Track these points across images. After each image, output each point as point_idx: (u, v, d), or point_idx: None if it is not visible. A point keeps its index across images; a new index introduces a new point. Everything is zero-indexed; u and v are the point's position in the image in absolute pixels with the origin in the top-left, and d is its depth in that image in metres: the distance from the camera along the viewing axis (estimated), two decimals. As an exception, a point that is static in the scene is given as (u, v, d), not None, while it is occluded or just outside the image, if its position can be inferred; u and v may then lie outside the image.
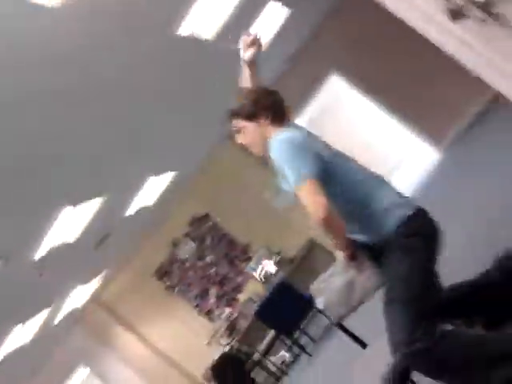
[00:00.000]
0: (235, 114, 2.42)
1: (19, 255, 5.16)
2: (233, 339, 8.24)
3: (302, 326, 6.37)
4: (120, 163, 5.87)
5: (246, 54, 2.55)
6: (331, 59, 8.30)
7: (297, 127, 2.41)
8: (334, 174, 2.23)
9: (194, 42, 5.18)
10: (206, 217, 9.39)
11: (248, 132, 2.42)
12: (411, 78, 8.03)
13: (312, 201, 2.12)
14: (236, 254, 9.33)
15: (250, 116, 2.39)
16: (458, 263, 3.09)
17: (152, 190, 7.53)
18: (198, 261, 9.35)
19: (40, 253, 5.52)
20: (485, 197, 4.37)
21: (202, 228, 9.40)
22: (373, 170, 2.35)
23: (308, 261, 8.63)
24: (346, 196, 2.23)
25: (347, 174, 2.26)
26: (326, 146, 2.34)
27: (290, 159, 2.19)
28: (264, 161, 2.51)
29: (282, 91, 2.50)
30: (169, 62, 5.11)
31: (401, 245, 2.17)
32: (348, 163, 2.31)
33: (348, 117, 8.75)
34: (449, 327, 2.25)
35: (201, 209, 9.34)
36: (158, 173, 7.19)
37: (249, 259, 9.07)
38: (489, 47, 2.92)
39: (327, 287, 2.34)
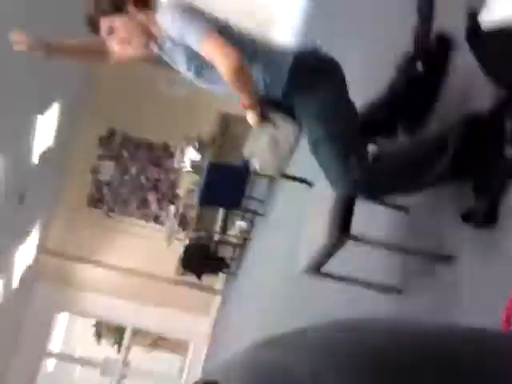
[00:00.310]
0: (100, 14, 2.02)
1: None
2: (189, 231, 8.46)
3: (246, 193, 6.58)
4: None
5: None
6: None
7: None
8: (230, 34, 2.05)
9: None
10: (113, 133, 9.15)
11: (120, 28, 2.04)
12: None
13: (221, 52, 1.96)
14: (158, 155, 9.28)
15: (117, 6, 2.02)
16: (360, 83, 3.18)
17: (46, 128, 7.19)
18: (125, 176, 9.25)
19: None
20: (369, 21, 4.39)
21: (114, 144, 9.19)
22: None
23: (228, 135, 8.70)
24: (246, 50, 2.06)
25: (241, 34, 2.12)
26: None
27: (186, 21, 1.97)
28: (148, 58, 2.27)
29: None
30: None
31: (303, 84, 2.11)
32: (237, 28, 2.15)
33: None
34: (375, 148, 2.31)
35: (104, 127, 9.06)
36: (41, 111, 6.81)
37: (172, 155, 9.06)
38: None
39: (256, 148, 2.32)
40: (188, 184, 8.85)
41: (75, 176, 9.09)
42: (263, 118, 2.18)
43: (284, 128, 2.22)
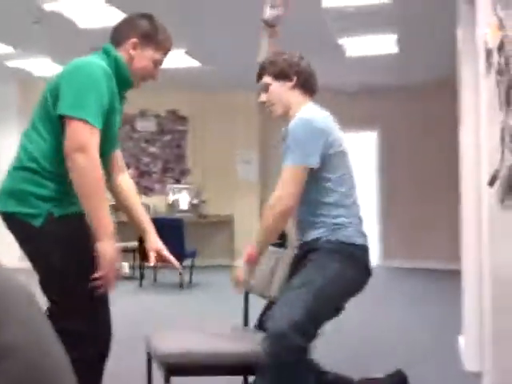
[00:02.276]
0: (265, 70, 2.39)
1: None
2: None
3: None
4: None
5: (270, 12, 2.53)
6: None
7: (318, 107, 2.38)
8: (331, 166, 2.26)
9: None
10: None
11: (273, 91, 2.38)
12: None
13: (290, 186, 2.21)
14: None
15: (281, 75, 2.37)
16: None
17: None
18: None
19: None
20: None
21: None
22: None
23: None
24: (327, 189, 2.28)
25: (341, 177, 2.31)
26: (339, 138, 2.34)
27: (301, 140, 2.22)
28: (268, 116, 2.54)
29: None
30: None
31: (342, 255, 2.23)
32: (347, 166, 2.36)
33: None
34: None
35: None
36: None
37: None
38: None
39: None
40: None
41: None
42: (256, 261, 2.27)
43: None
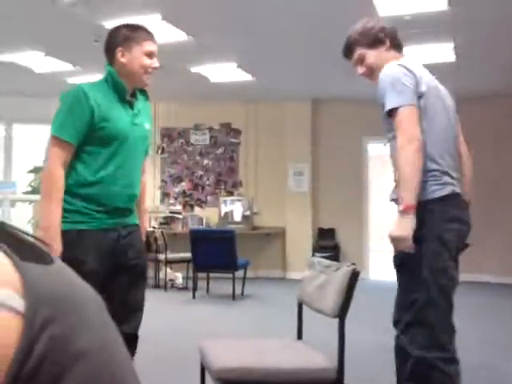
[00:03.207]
0: (357, 43, 2.45)
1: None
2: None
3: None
4: None
5: None
6: None
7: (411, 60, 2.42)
8: (425, 112, 2.24)
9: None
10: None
11: (371, 58, 2.45)
12: None
13: (411, 126, 2.16)
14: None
15: (375, 42, 2.44)
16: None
17: None
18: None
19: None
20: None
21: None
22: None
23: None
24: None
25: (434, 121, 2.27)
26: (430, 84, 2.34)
27: (391, 84, 2.24)
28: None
29: None
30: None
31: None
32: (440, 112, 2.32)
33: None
34: None
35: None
36: None
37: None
38: None
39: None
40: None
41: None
42: (411, 209, 2.13)
43: None
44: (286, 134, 9.11)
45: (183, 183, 9.40)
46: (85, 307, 0.49)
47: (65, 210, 2.31)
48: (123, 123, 2.38)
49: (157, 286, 7.81)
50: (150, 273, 7.93)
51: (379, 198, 11.81)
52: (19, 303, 0.44)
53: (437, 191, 2.20)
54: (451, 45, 6.05)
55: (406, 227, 2.10)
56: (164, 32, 5.54)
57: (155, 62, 2.46)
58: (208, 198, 9.37)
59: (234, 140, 9.38)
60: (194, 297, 6.99)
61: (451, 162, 2.31)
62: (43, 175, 2.40)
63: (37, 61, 6.63)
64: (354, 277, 2.19)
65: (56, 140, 2.31)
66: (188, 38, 5.77)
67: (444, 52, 6.32)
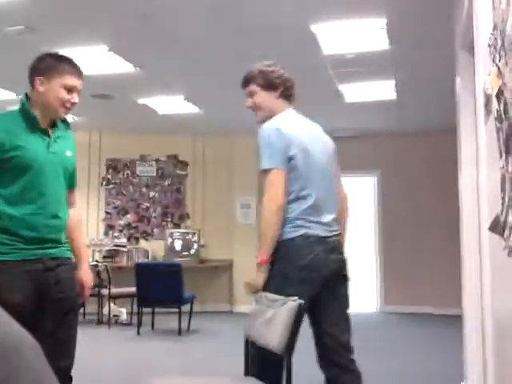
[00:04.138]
0: (254, 79, 2.69)
1: None
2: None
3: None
4: None
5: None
6: None
7: (293, 115, 2.70)
8: (297, 175, 2.55)
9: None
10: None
11: (259, 98, 2.69)
12: None
13: (275, 188, 2.47)
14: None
15: (269, 85, 2.68)
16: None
17: None
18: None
19: None
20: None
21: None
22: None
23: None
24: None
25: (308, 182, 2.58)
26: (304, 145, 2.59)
27: (266, 145, 2.53)
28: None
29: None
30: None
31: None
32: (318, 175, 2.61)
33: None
34: None
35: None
36: None
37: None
38: None
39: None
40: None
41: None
42: (266, 262, 2.50)
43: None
44: (234, 166, 9.15)
45: (128, 215, 9.24)
46: (23, 349, 0.50)
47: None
48: (36, 151, 2.32)
49: (100, 322, 7.57)
50: (93, 308, 7.70)
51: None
52: None
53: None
54: (392, 82, 6.28)
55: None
56: (111, 63, 5.51)
57: (74, 98, 2.41)
58: (154, 230, 9.24)
59: (181, 172, 9.34)
60: (138, 333, 6.81)
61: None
62: None
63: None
64: (300, 311, 2.18)
65: None
66: (135, 70, 5.76)
67: (386, 89, 6.55)
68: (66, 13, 4.48)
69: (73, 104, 2.41)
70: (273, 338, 2.23)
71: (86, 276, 2.52)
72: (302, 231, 2.52)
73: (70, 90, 2.39)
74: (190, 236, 8.96)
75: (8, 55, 5.45)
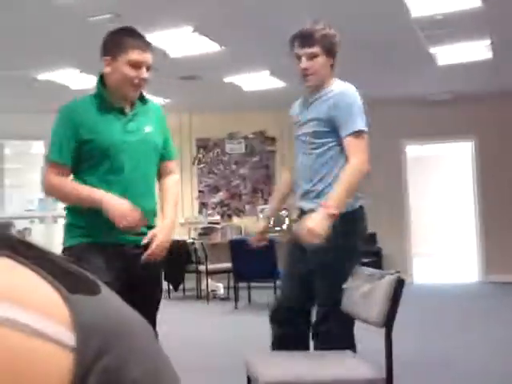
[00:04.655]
0: (318, 41, 2.54)
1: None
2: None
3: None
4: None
5: None
6: None
7: None
8: None
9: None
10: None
11: (319, 63, 2.58)
12: None
13: (367, 153, 2.50)
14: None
15: (330, 52, 2.58)
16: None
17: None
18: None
19: None
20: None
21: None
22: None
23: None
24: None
25: None
26: None
27: (359, 107, 2.52)
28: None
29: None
30: None
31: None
32: None
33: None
34: None
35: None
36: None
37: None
38: None
39: None
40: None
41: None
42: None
43: None
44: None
45: (220, 193, 9.43)
46: (135, 336, 0.49)
47: (72, 226, 2.26)
48: (111, 136, 2.23)
49: (199, 297, 7.83)
50: (192, 284, 7.97)
51: (419, 200, 11.60)
52: (69, 337, 0.44)
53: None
54: (487, 42, 5.89)
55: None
56: (197, 44, 5.57)
57: (142, 73, 2.20)
58: (246, 207, 9.38)
59: (269, 148, 9.37)
60: (236, 307, 6.97)
61: None
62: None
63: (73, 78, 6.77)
64: (399, 285, 2.13)
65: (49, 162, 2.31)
66: (221, 48, 5.79)
67: (480, 50, 6.16)
68: (151, -3, 4.56)
69: (142, 80, 2.22)
70: (372, 312, 2.19)
71: (161, 231, 2.31)
72: (360, 202, 2.60)
73: (136, 65, 2.20)
74: (283, 212, 9.00)
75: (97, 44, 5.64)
